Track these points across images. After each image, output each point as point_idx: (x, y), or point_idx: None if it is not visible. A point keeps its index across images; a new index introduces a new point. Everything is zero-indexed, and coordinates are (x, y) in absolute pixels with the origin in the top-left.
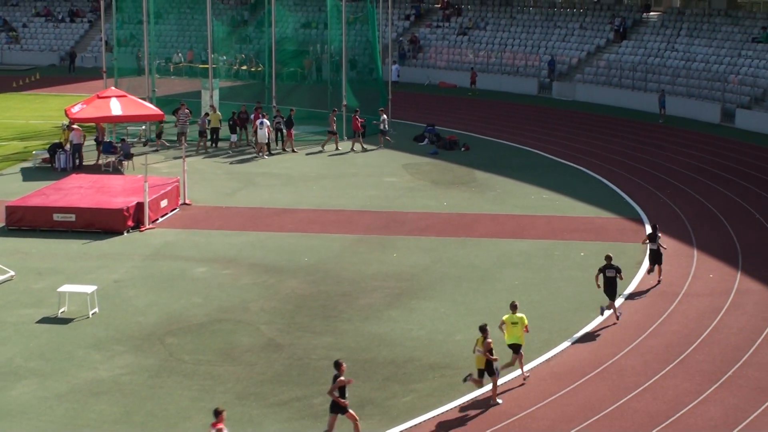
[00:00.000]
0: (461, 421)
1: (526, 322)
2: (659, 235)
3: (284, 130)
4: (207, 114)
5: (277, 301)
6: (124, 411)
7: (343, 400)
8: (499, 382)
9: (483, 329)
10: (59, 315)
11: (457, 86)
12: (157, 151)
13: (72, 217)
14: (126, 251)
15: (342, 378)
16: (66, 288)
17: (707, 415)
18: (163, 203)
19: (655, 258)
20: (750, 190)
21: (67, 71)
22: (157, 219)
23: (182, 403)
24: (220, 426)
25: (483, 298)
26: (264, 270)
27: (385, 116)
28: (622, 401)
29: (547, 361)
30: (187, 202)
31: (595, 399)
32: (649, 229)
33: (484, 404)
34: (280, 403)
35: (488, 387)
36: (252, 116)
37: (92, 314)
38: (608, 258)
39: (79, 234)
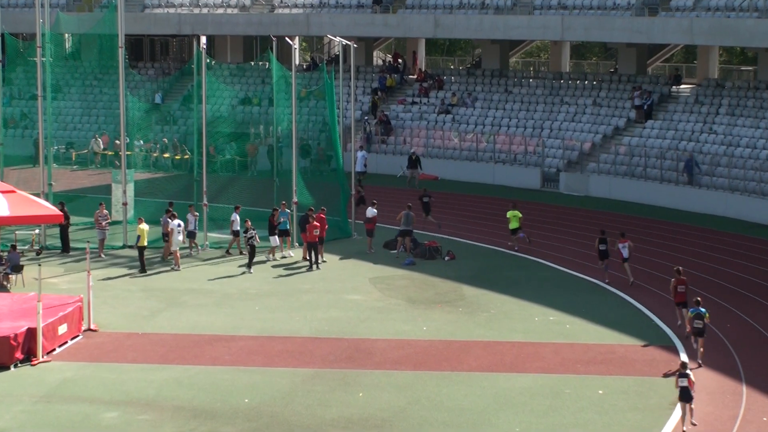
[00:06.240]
0: None
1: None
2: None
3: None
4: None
5: None
6: None
7: None
8: None
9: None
10: None
11: (440, 178)
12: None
13: None
14: (13, 391)
15: None
16: None
17: None
18: (62, 329)
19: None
20: None
21: None
22: (54, 349)
23: None
24: None
25: None
26: (192, 415)
27: (194, 213)
28: None
29: None
30: (92, 327)
31: None
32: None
33: None
34: None
35: None
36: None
37: None
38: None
39: None
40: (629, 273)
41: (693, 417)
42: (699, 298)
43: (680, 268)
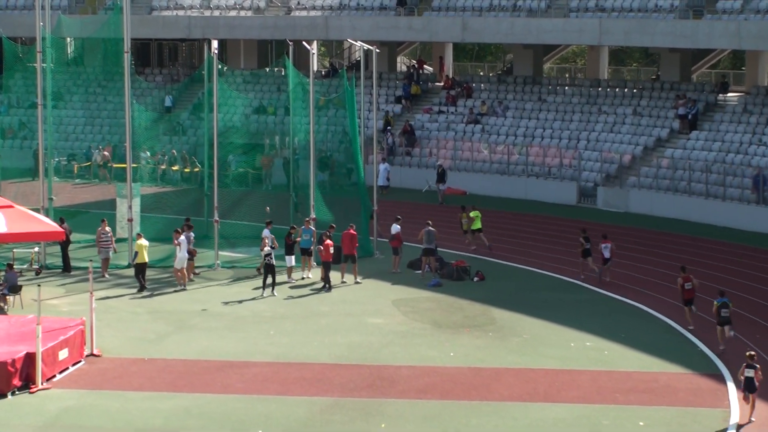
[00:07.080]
0: None
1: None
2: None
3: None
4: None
5: None
6: None
7: None
8: None
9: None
10: None
11: (468, 193)
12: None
13: None
14: (10, 421)
15: None
16: None
17: None
18: (63, 354)
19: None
20: None
21: None
22: (54, 376)
23: None
24: None
25: None
26: None
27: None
28: None
29: None
30: (95, 352)
31: None
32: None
33: None
34: None
35: None
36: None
37: None
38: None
39: None
40: (606, 272)
41: (753, 414)
42: (723, 290)
43: (684, 266)
